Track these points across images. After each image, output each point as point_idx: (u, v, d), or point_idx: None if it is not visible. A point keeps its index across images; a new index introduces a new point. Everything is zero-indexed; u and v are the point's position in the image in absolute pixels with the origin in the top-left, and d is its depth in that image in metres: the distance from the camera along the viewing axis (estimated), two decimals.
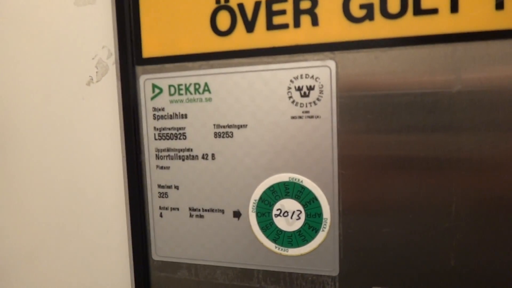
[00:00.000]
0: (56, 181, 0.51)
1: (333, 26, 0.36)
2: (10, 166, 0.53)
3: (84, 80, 0.49)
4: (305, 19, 0.36)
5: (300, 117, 0.37)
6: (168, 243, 0.44)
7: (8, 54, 0.51)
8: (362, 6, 0.35)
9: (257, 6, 0.38)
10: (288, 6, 0.37)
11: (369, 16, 0.35)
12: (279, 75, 0.38)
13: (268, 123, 0.38)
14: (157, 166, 0.43)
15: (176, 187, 0.43)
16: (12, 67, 0.51)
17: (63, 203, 0.51)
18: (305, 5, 0.36)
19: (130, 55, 0.42)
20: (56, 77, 0.49)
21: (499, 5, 0.32)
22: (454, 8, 0.33)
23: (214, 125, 0.40)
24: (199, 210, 0.42)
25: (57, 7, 0.48)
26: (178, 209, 0.43)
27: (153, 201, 0.44)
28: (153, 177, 0.43)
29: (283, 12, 0.37)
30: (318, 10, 0.36)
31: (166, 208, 0.43)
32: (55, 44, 0.49)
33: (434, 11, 0.33)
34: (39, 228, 0.53)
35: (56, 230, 0.52)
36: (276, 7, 0.37)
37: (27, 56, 0.51)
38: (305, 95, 0.37)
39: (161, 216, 0.44)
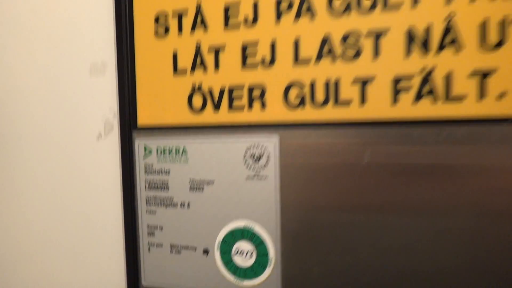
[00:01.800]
0: (67, 224, 0.63)
1: (276, 110, 0.47)
2: (19, 206, 0.66)
3: (95, 135, 0.62)
4: (256, 103, 0.48)
5: (253, 178, 0.49)
6: (154, 273, 0.55)
7: (36, 113, 0.65)
8: (297, 96, 0.46)
9: (222, 91, 0.50)
10: (244, 93, 0.49)
11: (302, 104, 0.46)
12: (238, 145, 0.49)
13: (230, 181, 0.50)
14: (147, 211, 0.55)
15: (161, 228, 0.54)
16: (37, 123, 0.65)
17: (72, 243, 0.63)
18: (256, 93, 0.48)
19: (128, 123, 0.55)
20: (71, 132, 0.62)
21: (395, 100, 0.43)
22: (362, 100, 0.44)
23: (190, 180, 0.52)
24: (178, 247, 0.53)
25: (76, 76, 0.61)
26: (162, 245, 0.54)
27: (143, 238, 0.55)
28: (144, 219, 0.55)
29: (240, 97, 0.49)
30: (265, 98, 0.48)
31: (153, 244, 0.55)
32: (74, 104, 0.62)
33: (348, 101, 0.45)
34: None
35: (65, 261, 0.64)
36: (235, 93, 0.49)
37: (51, 114, 0.64)
38: (256, 161, 0.49)
39: (149, 250, 0.55)
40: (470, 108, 0.41)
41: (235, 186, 0.49)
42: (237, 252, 0.50)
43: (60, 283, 0.65)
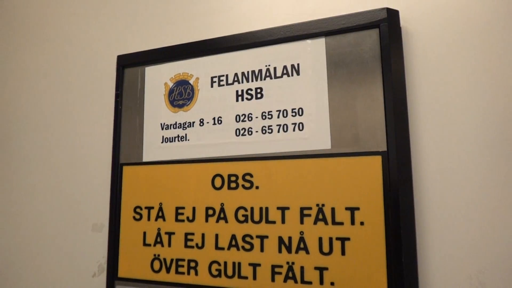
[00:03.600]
0: None
1: (204, 277, 0.74)
2: None
3: (91, 273, 0.89)
4: (192, 271, 0.75)
5: None
6: None
7: (52, 256, 0.93)
8: (216, 270, 0.73)
9: (171, 261, 0.77)
10: (185, 264, 0.76)
11: (219, 275, 0.73)
12: None
13: None
14: None
15: None
16: (51, 265, 0.93)
17: None
18: (192, 264, 0.75)
19: (112, 274, 0.82)
20: (76, 270, 0.89)
21: (273, 279, 0.69)
22: (254, 277, 0.71)
23: None
24: None
25: (82, 230, 0.90)
26: None
27: None
28: None
29: (183, 266, 0.76)
30: (198, 268, 0.75)
31: None
32: (79, 250, 0.90)
33: (246, 277, 0.71)
34: None
35: None
36: (179, 263, 0.76)
37: (64, 256, 0.92)
38: None
39: None
40: None
41: None
42: None
43: None
